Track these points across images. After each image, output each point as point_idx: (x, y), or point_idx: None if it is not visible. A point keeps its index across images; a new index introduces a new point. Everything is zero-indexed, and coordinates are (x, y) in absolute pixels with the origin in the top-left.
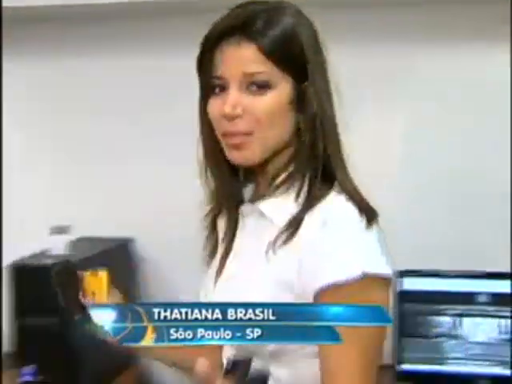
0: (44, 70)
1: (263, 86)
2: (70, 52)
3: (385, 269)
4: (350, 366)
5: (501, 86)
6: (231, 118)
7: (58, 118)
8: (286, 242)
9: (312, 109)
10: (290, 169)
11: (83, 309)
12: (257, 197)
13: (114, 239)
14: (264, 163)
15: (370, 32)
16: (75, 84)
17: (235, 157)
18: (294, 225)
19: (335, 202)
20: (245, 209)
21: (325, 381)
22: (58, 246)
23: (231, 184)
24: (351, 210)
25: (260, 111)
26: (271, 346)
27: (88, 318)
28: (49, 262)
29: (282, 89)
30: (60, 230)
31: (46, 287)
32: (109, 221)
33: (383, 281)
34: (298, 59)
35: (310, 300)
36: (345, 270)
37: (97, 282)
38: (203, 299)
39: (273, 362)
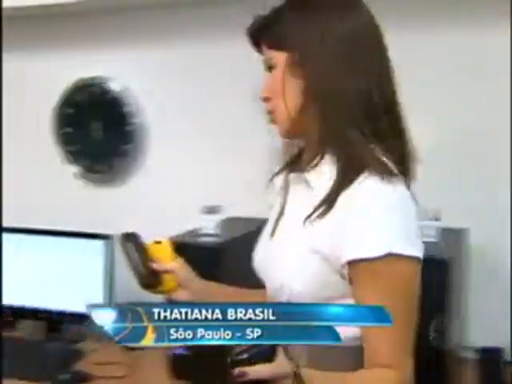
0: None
1: (271, 67)
2: None
3: (412, 250)
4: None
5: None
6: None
7: (215, 106)
8: (321, 216)
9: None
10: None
11: (152, 273)
12: (305, 167)
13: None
14: (305, 137)
15: None
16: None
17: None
18: (330, 200)
19: (369, 181)
20: (293, 177)
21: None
22: (209, 225)
23: (286, 153)
24: (385, 189)
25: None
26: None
27: (156, 282)
28: (202, 240)
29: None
30: (211, 210)
31: (198, 263)
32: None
33: (410, 261)
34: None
35: (340, 269)
36: (371, 248)
37: (161, 250)
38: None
39: None
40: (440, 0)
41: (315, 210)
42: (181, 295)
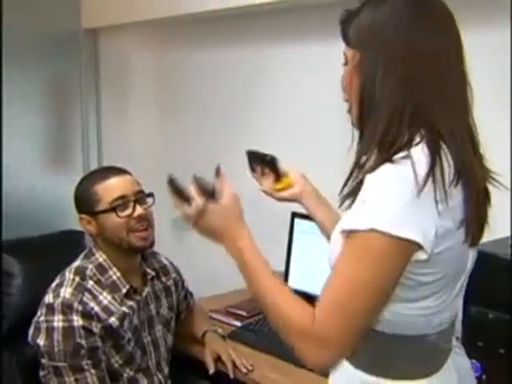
0: None
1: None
2: None
3: (403, 231)
4: (328, 294)
5: None
6: None
7: None
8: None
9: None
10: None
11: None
12: None
13: None
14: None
15: None
16: None
17: None
18: (354, 190)
19: (381, 168)
20: None
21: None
22: None
23: None
24: (390, 174)
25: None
26: None
27: None
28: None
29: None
30: None
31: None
32: None
33: (396, 241)
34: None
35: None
36: (357, 221)
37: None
38: None
39: None
40: None
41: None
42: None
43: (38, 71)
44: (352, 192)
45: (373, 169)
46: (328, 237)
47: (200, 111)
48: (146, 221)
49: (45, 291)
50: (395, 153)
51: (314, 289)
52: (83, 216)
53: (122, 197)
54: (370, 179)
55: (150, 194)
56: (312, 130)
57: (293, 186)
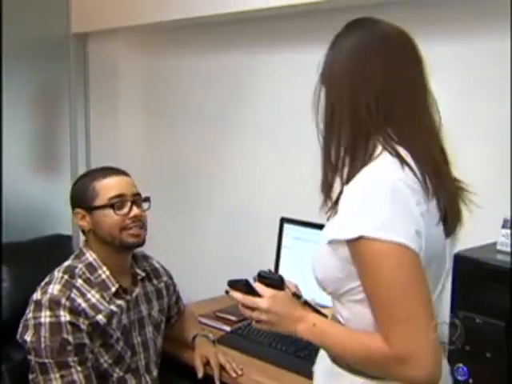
0: None
1: None
2: None
3: (389, 235)
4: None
5: None
6: None
7: None
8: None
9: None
10: None
11: None
12: None
13: None
14: None
15: None
16: None
17: None
18: (337, 198)
19: (364, 170)
20: None
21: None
22: (507, 242)
23: None
24: (372, 176)
25: None
26: (329, 290)
27: None
28: (495, 258)
29: None
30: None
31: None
32: None
33: (387, 244)
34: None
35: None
36: (346, 230)
37: None
38: None
39: (336, 301)
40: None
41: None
42: None
43: (26, 76)
44: (336, 203)
45: (348, 180)
46: None
47: (189, 117)
48: (140, 222)
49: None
50: (365, 163)
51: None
52: (78, 210)
53: (120, 195)
54: (349, 189)
55: (147, 199)
56: (302, 135)
57: None
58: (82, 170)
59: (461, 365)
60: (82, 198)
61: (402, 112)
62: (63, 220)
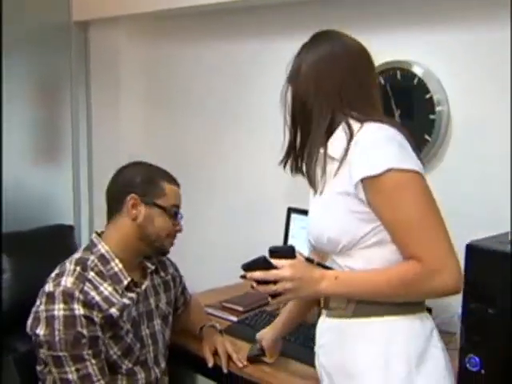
0: None
1: None
2: None
3: (408, 164)
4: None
5: None
6: None
7: None
8: (337, 170)
9: None
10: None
11: None
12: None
13: None
14: None
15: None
16: None
17: None
18: (342, 156)
19: (364, 129)
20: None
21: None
22: None
23: None
24: (373, 127)
25: None
26: (342, 244)
27: None
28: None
29: None
30: None
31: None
32: None
33: (410, 173)
34: None
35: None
36: (373, 167)
37: None
38: None
39: (344, 256)
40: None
41: (335, 166)
42: None
43: (27, 65)
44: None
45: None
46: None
47: (191, 105)
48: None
49: (34, 285)
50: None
51: None
52: (135, 197)
53: (178, 206)
54: (364, 137)
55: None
56: None
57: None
58: (83, 160)
59: (473, 355)
60: (144, 188)
61: (362, 99)
62: (65, 210)
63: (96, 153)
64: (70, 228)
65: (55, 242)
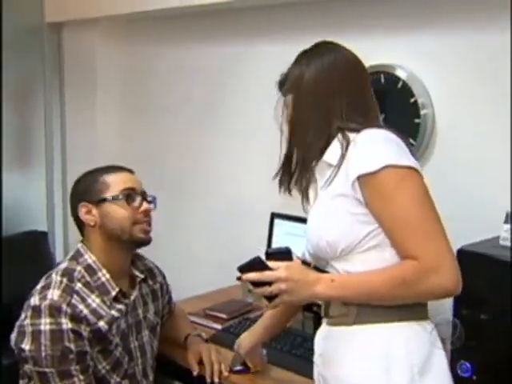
0: None
1: None
2: None
3: (405, 161)
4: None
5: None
6: None
7: None
8: (334, 175)
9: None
10: None
11: None
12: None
13: None
14: None
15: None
16: None
17: None
18: (339, 161)
19: (362, 133)
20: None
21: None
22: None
23: None
24: (371, 131)
25: None
26: (341, 247)
27: None
28: (495, 253)
29: None
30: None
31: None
32: None
33: (407, 169)
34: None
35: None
36: (370, 164)
37: None
38: None
39: (342, 261)
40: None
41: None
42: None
43: None
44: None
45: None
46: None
47: (169, 109)
48: (150, 218)
49: (10, 293)
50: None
51: None
52: (84, 204)
53: (132, 188)
54: (361, 140)
55: (154, 199)
56: None
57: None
58: (57, 166)
59: (464, 361)
60: (89, 191)
61: (364, 110)
62: (39, 216)
63: (71, 158)
64: (44, 234)
65: (29, 249)
